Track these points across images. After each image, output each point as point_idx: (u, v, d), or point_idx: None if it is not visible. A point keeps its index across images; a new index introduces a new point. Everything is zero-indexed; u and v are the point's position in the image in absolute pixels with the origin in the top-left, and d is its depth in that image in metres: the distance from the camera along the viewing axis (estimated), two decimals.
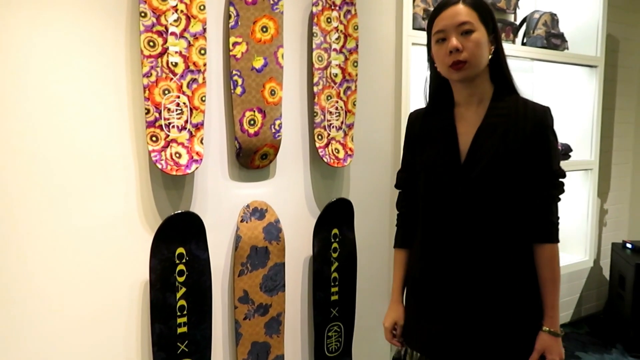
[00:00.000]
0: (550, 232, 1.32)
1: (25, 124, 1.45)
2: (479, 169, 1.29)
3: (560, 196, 1.34)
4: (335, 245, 2.04)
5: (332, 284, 2.05)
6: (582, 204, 3.10)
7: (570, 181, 3.03)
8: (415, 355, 1.45)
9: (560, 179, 1.33)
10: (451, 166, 1.33)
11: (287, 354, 2.00)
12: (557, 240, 1.33)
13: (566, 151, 2.94)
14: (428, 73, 1.44)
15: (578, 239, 3.14)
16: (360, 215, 2.12)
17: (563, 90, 3.15)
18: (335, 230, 2.04)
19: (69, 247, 1.55)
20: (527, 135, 1.28)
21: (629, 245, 3.27)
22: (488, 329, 1.31)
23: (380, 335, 2.22)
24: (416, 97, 2.35)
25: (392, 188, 2.23)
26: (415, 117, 1.49)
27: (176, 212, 1.67)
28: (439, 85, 1.42)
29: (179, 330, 1.71)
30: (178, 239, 1.68)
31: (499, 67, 1.34)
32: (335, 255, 2.05)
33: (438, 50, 1.31)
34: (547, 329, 1.32)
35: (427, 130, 1.42)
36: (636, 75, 3.73)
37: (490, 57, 1.31)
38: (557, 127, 1.35)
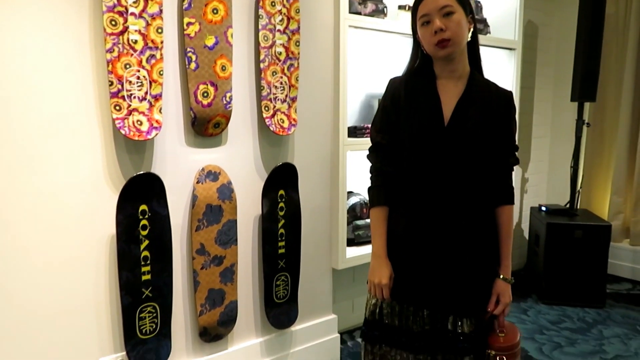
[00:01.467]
0: (510, 195, 1.59)
1: None
2: (461, 133, 1.50)
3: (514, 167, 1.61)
4: (281, 204, 2.32)
5: (280, 239, 2.33)
6: None
7: None
8: (392, 305, 1.61)
9: (516, 151, 1.60)
10: (436, 130, 1.50)
11: (240, 299, 2.27)
12: (513, 202, 1.59)
13: None
14: (411, 51, 1.63)
15: None
16: (303, 178, 2.40)
17: (486, 71, 3.50)
18: (281, 192, 2.31)
19: (44, 207, 1.75)
20: (501, 110, 1.52)
21: (543, 208, 3.72)
22: (461, 276, 1.53)
23: (321, 284, 2.54)
24: (353, 72, 2.63)
25: (332, 154, 2.52)
26: (399, 83, 1.60)
27: (138, 173, 1.89)
28: (422, 62, 1.61)
29: (144, 277, 1.94)
30: (141, 197, 1.91)
31: (474, 49, 1.59)
32: (281, 213, 2.32)
33: (424, 32, 1.49)
34: (502, 276, 1.56)
35: (413, 96, 1.56)
36: (553, 58, 4.17)
37: (469, 36, 1.53)
38: None
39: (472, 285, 1.55)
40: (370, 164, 1.66)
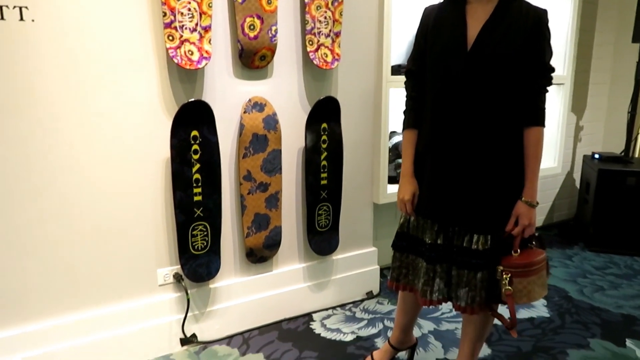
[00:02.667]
0: (538, 116, 1.56)
1: (59, 30, 1.79)
2: (483, 57, 1.53)
3: (548, 88, 1.57)
4: (324, 137, 2.41)
5: (322, 170, 2.44)
6: (554, 116, 3.42)
7: None
8: (418, 221, 1.72)
9: (550, 73, 1.56)
10: (457, 54, 1.54)
11: (284, 225, 2.42)
12: (543, 124, 1.57)
13: None
14: None
15: (549, 149, 3.48)
16: (346, 113, 2.47)
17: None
18: (324, 125, 2.40)
19: (106, 129, 1.93)
20: (527, 30, 1.50)
21: (596, 156, 3.62)
22: (476, 195, 1.60)
23: (362, 216, 2.64)
24: (399, 11, 2.63)
25: (375, 91, 2.57)
26: (430, 11, 1.68)
27: (190, 100, 2.03)
28: None
29: (195, 198, 2.12)
30: (192, 124, 2.05)
31: None
32: (324, 146, 2.42)
33: None
34: (524, 198, 1.59)
35: (440, 22, 1.62)
36: (616, 0, 3.94)
37: None
38: None
39: (488, 205, 1.60)
40: (405, 90, 1.75)
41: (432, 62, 1.62)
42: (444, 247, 1.64)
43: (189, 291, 2.19)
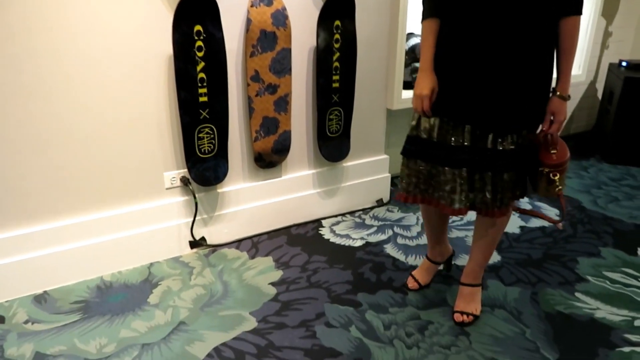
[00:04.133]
0: (577, 3, 1.43)
1: None
2: None
3: None
4: (337, 36, 2.25)
5: (334, 72, 2.30)
6: (582, 20, 3.18)
7: None
8: (432, 121, 1.60)
9: None
10: None
11: (294, 130, 2.33)
12: (581, 12, 1.44)
13: None
14: None
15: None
16: (361, 10, 2.29)
17: None
18: (337, 22, 2.23)
19: (103, 20, 1.78)
20: None
21: (624, 63, 3.42)
22: (505, 93, 1.50)
23: (374, 122, 2.54)
24: None
25: None
26: None
27: None
28: None
29: (201, 99, 2.01)
30: (195, 17, 1.90)
31: None
32: (337, 45, 2.26)
33: None
34: (558, 93, 1.51)
35: None
36: None
37: None
38: None
39: (516, 103, 1.51)
40: None
41: None
42: (470, 149, 1.56)
43: (196, 195, 2.16)
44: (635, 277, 2.05)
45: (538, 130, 1.60)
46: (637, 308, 1.85)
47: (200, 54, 1.95)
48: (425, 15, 1.58)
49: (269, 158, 2.29)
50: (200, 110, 2.03)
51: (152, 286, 1.99)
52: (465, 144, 1.56)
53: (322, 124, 2.36)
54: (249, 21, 2.03)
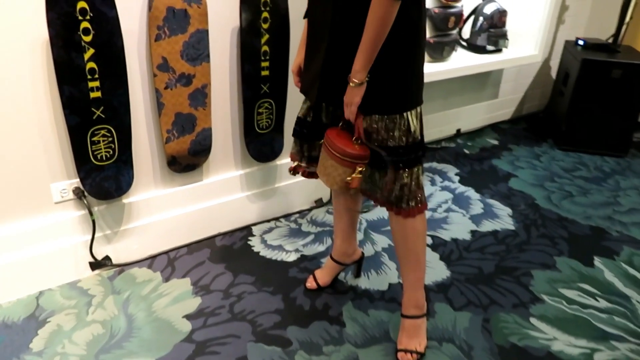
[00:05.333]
0: None
1: None
2: None
3: None
4: (265, 14, 1.87)
5: (262, 57, 1.94)
6: None
7: None
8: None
9: None
10: None
11: (215, 127, 1.97)
12: None
13: None
14: None
15: (531, 33, 3.04)
16: None
17: None
18: None
19: None
20: None
21: (580, 42, 3.20)
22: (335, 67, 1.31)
23: None
24: None
25: None
26: None
27: None
28: None
29: (92, 94, 1.62)
30: None
31: None
32: (265, 26, 1.89)
33: None
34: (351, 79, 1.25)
35: None
36: None
37: None
38: None
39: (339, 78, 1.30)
40: None
41: None
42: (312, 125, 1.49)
43: (95, 209, 1.79)
44: (593, 295, 1.87)
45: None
46: (595, 336, 1.68)
47: (87, 38, 1.54)
48: None
49: (186, 161, 1.93)
50: (93, 109, 1.63)
51: (38, 325, 1.64)
52: (308, 119, 1.50)
53: (249, 118, 2.01)
54: None
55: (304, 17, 1.46)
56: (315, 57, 1.35)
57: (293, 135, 1.56)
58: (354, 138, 1.34)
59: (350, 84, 1.25)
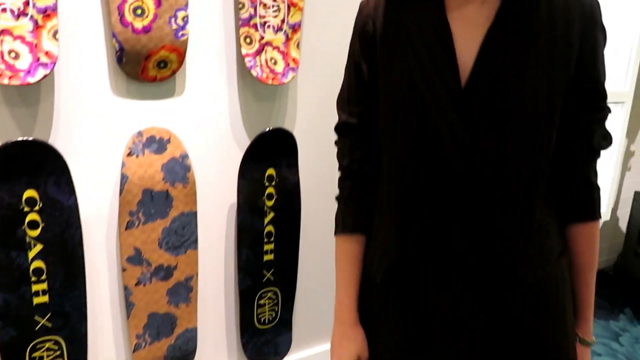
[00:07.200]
0: (593, 203, 0.85)
1: None
2: (494, 98, 0.75)
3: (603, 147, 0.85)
4: (270, 190, 1.53)
5: (266, 239, 1.57)
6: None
7: None
8: None
9: (607, 113, 0.83)
10: (444, 94, 0.76)
11: (202, 326, 1.55)
12: (600, 215, 0.86)
13: None
14: None
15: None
16: (307, 152, 1.59)
17: None
18: (270, 171, 1.52)
19: None
20: (571, 38, 0.76)
21: None
22: (509, 342, 0.84)
23: (328, 301, 1.77)
24: None
25: None
26: (373, 9, 0.84)
27: (21, 139, 1.16)
28: None
29: (36, 300, 1.26)
30: (26, 178, 1.19)
31: None
32: (270, 203, 1.54)
33: None
34: (580, 336, 0.90)
35: (397, 28, 0.80)
36: None
37: None
38: None
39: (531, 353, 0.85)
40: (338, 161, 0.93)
41: (391, 111, 0.80)
42: None
43: None
44: None
45: None
46: None
47: (33, 233, 1.22)
48: (339, 228, 0.91)
49: None
50: (37, 317, 1.27)
51: None
52: None
53: (248, 312, 1.60)
54: (124, 178, 1.31)
55: (344, 232, 0.92)
56: (460, 331, 0.82)
57: None
58: None
59: (587, 345, 0.91)
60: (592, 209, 0.85)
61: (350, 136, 0.90)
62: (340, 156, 0.92)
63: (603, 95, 0.81)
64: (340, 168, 0.92)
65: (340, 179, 0.93)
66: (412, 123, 0.78)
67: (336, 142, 0.93)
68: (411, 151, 0.80)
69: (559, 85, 0.76)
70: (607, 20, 0.80)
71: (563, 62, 0.76)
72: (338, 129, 0.92)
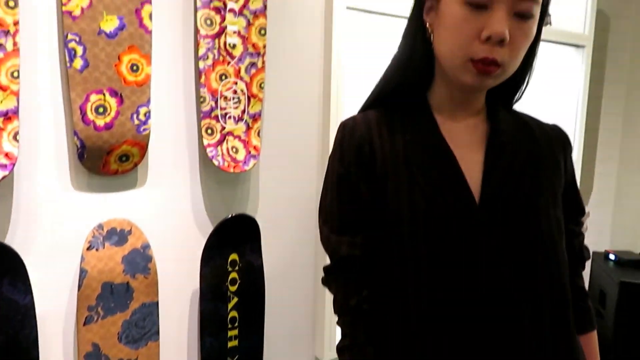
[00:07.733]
0: (589, 313, 0.93)
1: None
2: (509, 213, 0.78)
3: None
4: (233, 275, 1.53)
5: (230, 325, 1.54)
6: None
7: None
8: None
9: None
10: (463, 213, 0.77)
11: None
12: (594, 325, 0.95)
13: None
14: (399, 53, 0.86)
15: None
16: (271, 235, 1.61)
17: (543, 73, 2.65)
18: (233, 256, 1.53)
19: None
20: (556, 161, 0.86)
21: (611, 257, 2.84)
22: None
23: None
24: (351, 76, 1.79)
25: (317, 198, 1.71)
26: (366, 130, 0.82)
27: None
28: (410, 81, 0.84)
29: None
30: None
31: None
32: (233, 288, 1.53)
33: (464, 22, 0.73)
34: None
35: (397, 149, 0.81)
36: (627, 59, 3.24)
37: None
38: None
39: None
40: (334, 297, 0.85)
41: (410, 233, 0.77)
42: None
43: None
44: None
45: None
46: None
47: None
48: (350, 345, 0.81)
49: None
50: None
51: None
52: None
53: None
54: (82, 272, 1.29)
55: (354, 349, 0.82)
56: None
57: None
58: None
59: None
60: (590, 320, 0.93)
61: (355, 271, 0.81)
62: (342, 295, 0.82)
63: (583, 212, 0.92)
64: (342, 310, 0.83)
65: (344, 323, 0.82)
66: (437, 240, 0.75)
67: (331, 279, 0.85)
68: (438, 268, 0.76)
69: (559, 198, 0.83)
70: None
71: (558, 178, 0.84)
72: (339, 264, 0.83)
